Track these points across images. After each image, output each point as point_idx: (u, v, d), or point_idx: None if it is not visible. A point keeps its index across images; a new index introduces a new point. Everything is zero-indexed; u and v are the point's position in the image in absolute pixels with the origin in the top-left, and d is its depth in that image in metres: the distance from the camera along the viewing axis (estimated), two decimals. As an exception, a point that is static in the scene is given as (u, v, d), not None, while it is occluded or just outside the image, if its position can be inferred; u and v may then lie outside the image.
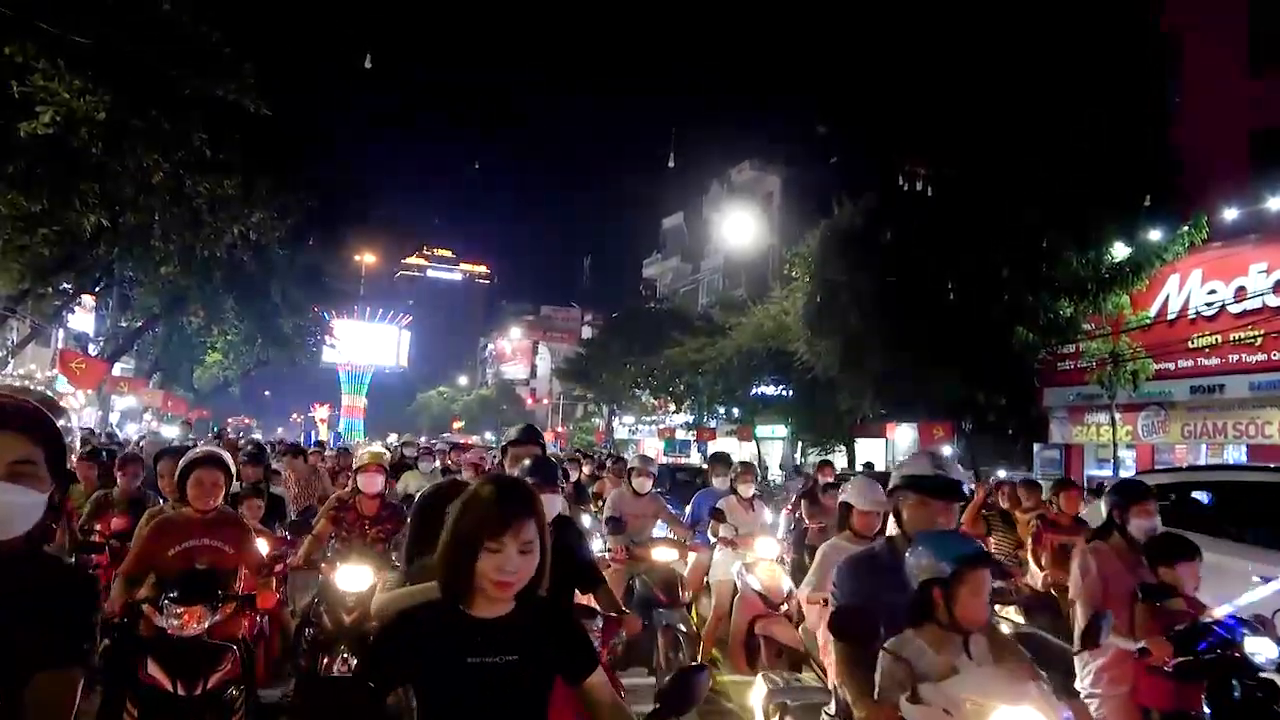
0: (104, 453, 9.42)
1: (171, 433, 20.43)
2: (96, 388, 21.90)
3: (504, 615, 2.03)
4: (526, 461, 3.74)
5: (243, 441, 11.45)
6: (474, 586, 1.98)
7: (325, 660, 5.08)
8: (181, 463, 4.47)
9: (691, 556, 7.67)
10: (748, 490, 7.45)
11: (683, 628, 6.41)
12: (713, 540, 7.09)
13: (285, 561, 5.56)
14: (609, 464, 12.60)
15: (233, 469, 4.55)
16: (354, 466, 6.04)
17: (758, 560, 6.67)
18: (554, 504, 3.46)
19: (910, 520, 3.08)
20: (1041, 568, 6.73)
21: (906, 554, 2.78)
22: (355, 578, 5.18)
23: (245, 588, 4.30)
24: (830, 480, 9.82)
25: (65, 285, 19.36)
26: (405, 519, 5.72)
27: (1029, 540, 7.08)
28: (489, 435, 56.86)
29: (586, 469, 12.66)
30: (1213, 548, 5.13)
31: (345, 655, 4.99)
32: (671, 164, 34.31)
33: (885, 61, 21.08)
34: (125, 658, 3.90)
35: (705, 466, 11.65)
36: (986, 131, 17.48)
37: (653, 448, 37.41)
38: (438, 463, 11.32)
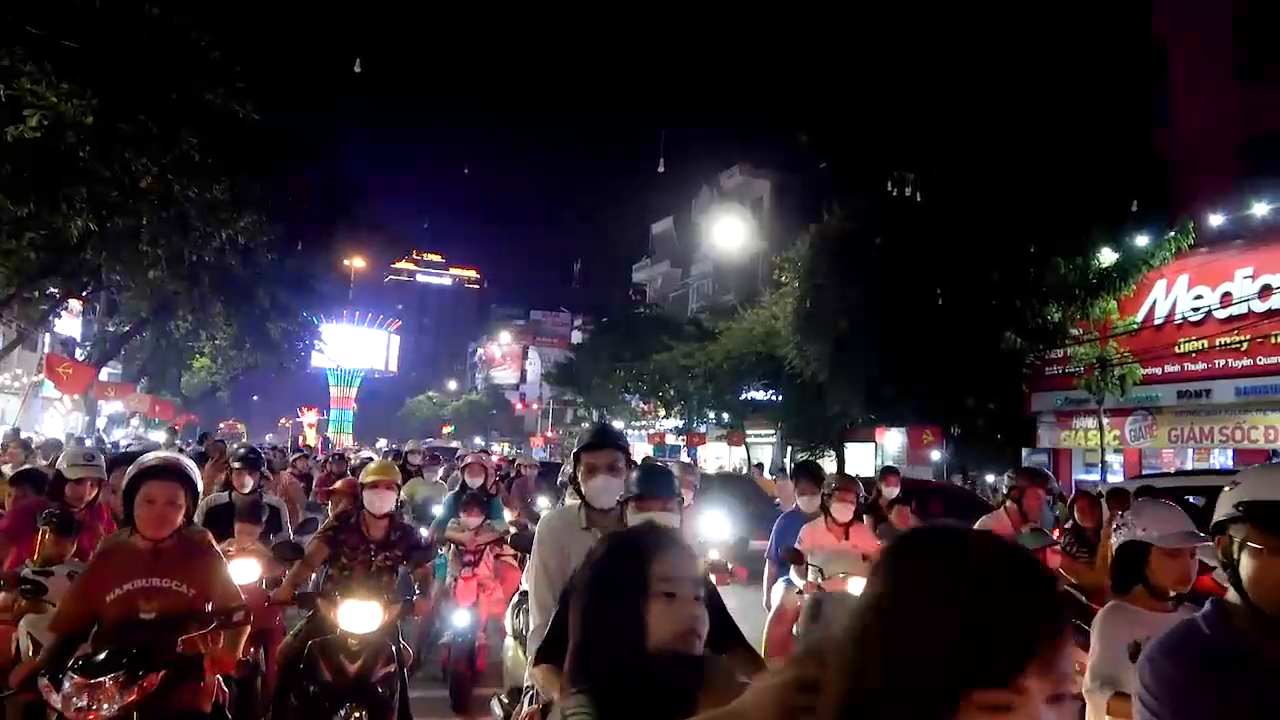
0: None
1: (159, 438, 20.28)
2: (83, 393, 21.78)
3: None
4: (633, 472, 2.86)
5: (235, 447, 10.71)
6: None
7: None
8: (128, 474, 3.36)
9: (776, 595, 5.96)
10: (845, 512, 5.58)
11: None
12: (799, 584, 5.52)
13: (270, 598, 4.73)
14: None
15: (198, 482, 3.47)
16: (360, 481, 4.96)
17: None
18: (670, 520, 2.70)
19: (1261, 575, 1.87)
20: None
21: None
22: (362, 616, 4.18)
23: (209, 641, 3.28)
24: (896, 493, 7.84)
25: (52, 289, 19.21)
26: (418, 541, 5.05)
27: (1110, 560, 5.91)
28: (478, 440, 56.79)
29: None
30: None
31: (359, 715, 4.09)
32: (661, 169, 34.40)
33: (875, 68, 21.14)
34: None
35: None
36: (975, 137, 17.57)
37: (642, 452, 37.37)
38: (440, 471, 10.39)
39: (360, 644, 4.18)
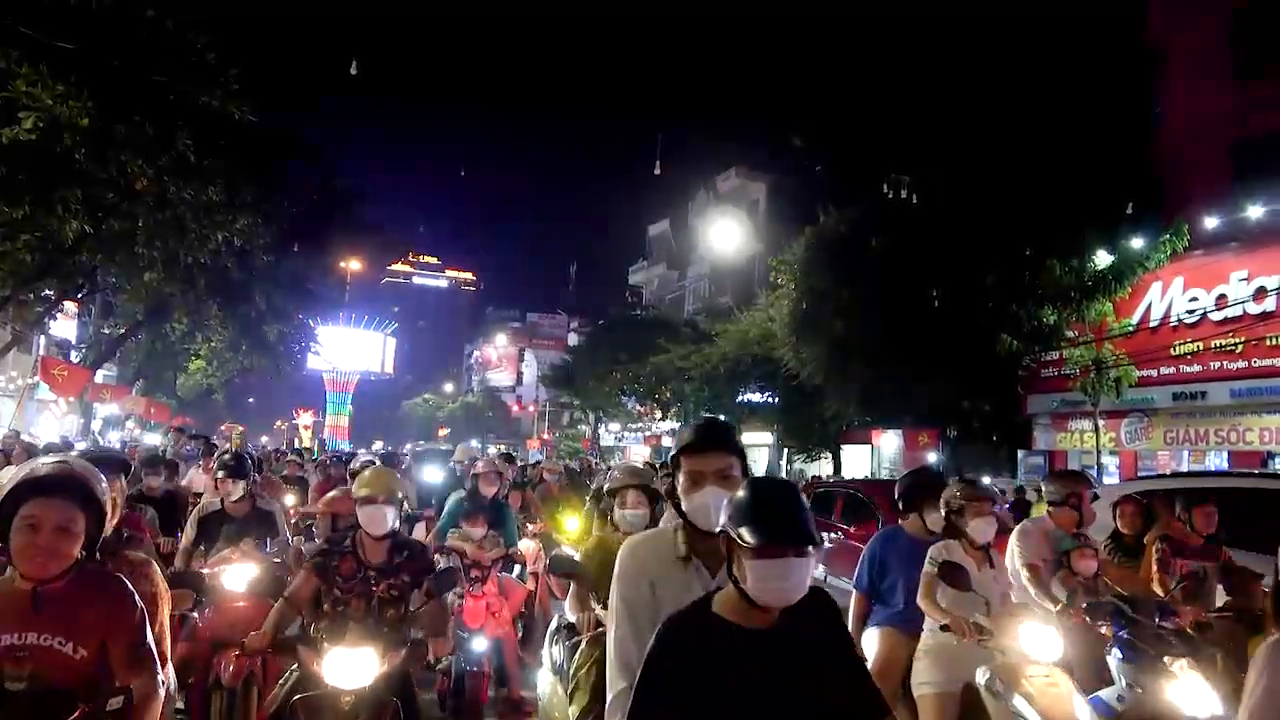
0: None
1: (155, 440, 20.24)
2: (79, 395, 21.72)
3: None
4: (740, 493, 2.02)
5: (220, 452, 8.78)
6: None
7: None
8: (5, 487, 2.42)
9: (871, 641, 4.54)
10: (986, 529, 4.15)
11: None
12: (935, 622, 4.04)
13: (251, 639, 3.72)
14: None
15: (104, 501, 2.48)
16: (354, 494, 4.03)
17: (1023, 662, 3.74)
18: (804, 573, 1.96)
19: None
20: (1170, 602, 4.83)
21: None
22: (352, 667, 3.28)
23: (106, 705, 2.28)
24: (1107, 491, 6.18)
25: (47, 291, 19.19)
26: (429, 562, 4.07)
27: (1153, 569, 5.42)
28: (474, 443, 56.75)
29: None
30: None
31: None
32: (658, 171, 34.49)
33: (872, 71, 21.21)
34: None
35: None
36: (972, 139, 17.61)
37: (639, 455, 37.37)
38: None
39: (355, 703, 3.27)
